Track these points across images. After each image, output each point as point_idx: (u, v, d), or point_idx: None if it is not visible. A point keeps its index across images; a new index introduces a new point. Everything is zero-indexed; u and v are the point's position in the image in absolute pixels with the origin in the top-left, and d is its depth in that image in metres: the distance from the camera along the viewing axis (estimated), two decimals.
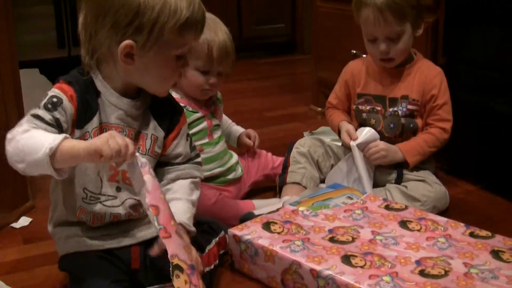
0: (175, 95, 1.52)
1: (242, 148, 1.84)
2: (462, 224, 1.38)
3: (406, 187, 1.62)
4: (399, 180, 1.66)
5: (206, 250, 1.30)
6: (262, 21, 3.83)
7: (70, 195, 1.21)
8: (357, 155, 1.68)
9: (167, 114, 1.28)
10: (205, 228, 1.35)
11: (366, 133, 1.68)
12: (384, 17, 1.60)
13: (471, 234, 1.34)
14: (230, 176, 1.70)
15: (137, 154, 1.08)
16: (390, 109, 1.70)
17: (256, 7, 3.80)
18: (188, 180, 1.29)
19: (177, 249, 1.08)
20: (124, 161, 1.06)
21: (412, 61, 1.71)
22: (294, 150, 1.76)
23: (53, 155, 1.02)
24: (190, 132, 1.51)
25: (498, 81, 1.73)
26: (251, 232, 1.35)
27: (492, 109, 1.76)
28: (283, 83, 3.29)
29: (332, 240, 1.31)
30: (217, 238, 1.35)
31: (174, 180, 1.29)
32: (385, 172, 1.70)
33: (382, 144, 1.67)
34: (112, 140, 1.03)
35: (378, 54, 1.66)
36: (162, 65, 1.18)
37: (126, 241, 1.24)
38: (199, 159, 1.35)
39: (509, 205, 1.72)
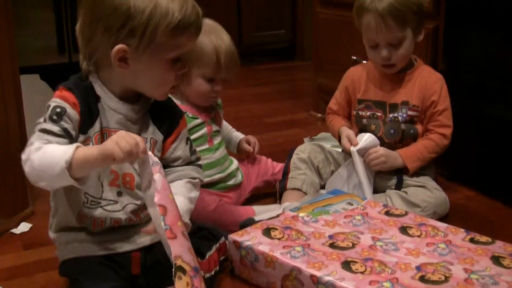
0: (175, 101, 1.52)
1: (242, 154, 1.83)
2: (462, 230, 1.38)
3: (406, 193, 1.62)
4: (399, 186, 1.66)
5: (207, 256, 1.30)
6: (262, 27, 3.83)
7: (70, 200, 1.21)
8: (357, 160, 1.67)
9: (166, 118, 1.28)
10: (205, 234, 1.35)
11: (366, 139, 1.68)
12: (386, 23, 1.60)
13: (472, 240, 1.34)
14: (230, 182, 1.70)
15: (149, 152, 1.09)
16: (391, 115, 1.70)
17: (256, 13, 3.80)
18: (186, 180, 1.29)
19: (181, 250, 1.08)
20: (137, 159, 1.07)
21: (413, 67, 1.71)
22: (294, 156, 1.76)
23: (69, 167, 1.04)
24: (190, 138, 1.51)
25: (498, 87, 1.73)
26: (251, 238, 1.34)
27: (492, 115, 1.76)
28: (283, 89, 3.29)
29: (332, 246, 1.31)
30: (218, 244, 1.35)
31: (172, 181, 1.28)
32: (385, 178, 1.70)
33: (382, 150, 1.66)
34: (121, 141, 1.04)
35: (380, 60, 1.67)
36: (157, 68, 1.17)
37: (126, 247, 1.24)
38: (199, 162, 1.35)
39: (509, 211, 1.71)
